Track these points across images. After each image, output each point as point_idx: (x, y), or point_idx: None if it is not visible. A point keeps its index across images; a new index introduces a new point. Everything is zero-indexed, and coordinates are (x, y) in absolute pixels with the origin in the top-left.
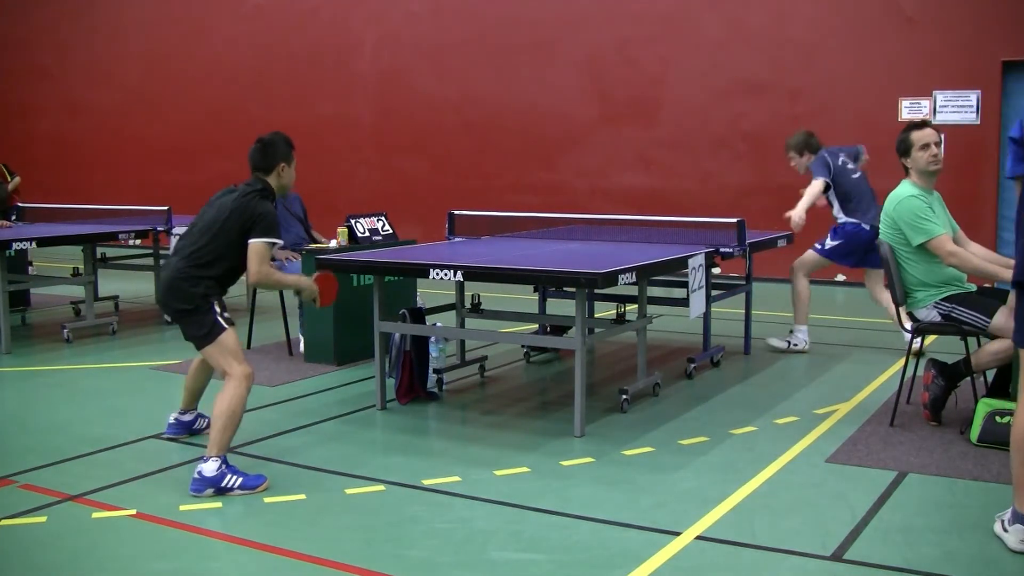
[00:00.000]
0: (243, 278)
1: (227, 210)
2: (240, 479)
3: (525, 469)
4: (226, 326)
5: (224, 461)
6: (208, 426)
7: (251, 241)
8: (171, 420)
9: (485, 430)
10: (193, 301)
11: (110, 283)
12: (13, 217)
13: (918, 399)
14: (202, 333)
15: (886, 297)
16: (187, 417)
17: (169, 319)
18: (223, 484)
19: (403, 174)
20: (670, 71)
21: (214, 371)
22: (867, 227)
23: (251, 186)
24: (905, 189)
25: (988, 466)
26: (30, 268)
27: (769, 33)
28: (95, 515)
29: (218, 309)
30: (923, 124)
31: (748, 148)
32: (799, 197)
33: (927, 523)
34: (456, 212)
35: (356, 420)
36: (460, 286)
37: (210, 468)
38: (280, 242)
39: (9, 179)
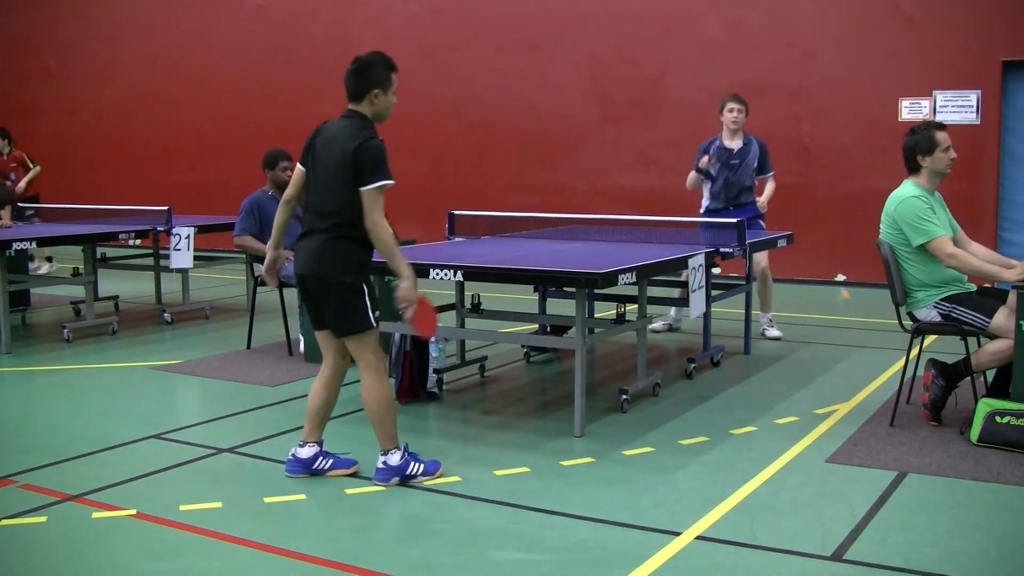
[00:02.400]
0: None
1: (337, 156)
2: (422, 466)
3: (525, 469)
4: (374, 323)
5: (404, 449)
6: (332, 467)
7: (362, 189)
8: (290, 455)
9: (485, 430)
10: (350, 272)
11: (110, 283)
12: (30, 213)
13: (918, 399)
14: (353, 320)
15: None
16: (306, 453)
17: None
18: (408, 472)
19: (403, 174)
20: (670, 71)
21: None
22: None
23: (351, 122)
24: (907, 189)
25: (988, 466)
26: (37, 262)
27: (769, 33)
28: (95, 515)
29: (368, 294)
30: (943, 125)
31: None
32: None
33: (927, 523)
34: (456, 212)
35: (356, 420)
36: (460, 286)
37: (395, 458)
38: (392, 182)
39: (31, 167)
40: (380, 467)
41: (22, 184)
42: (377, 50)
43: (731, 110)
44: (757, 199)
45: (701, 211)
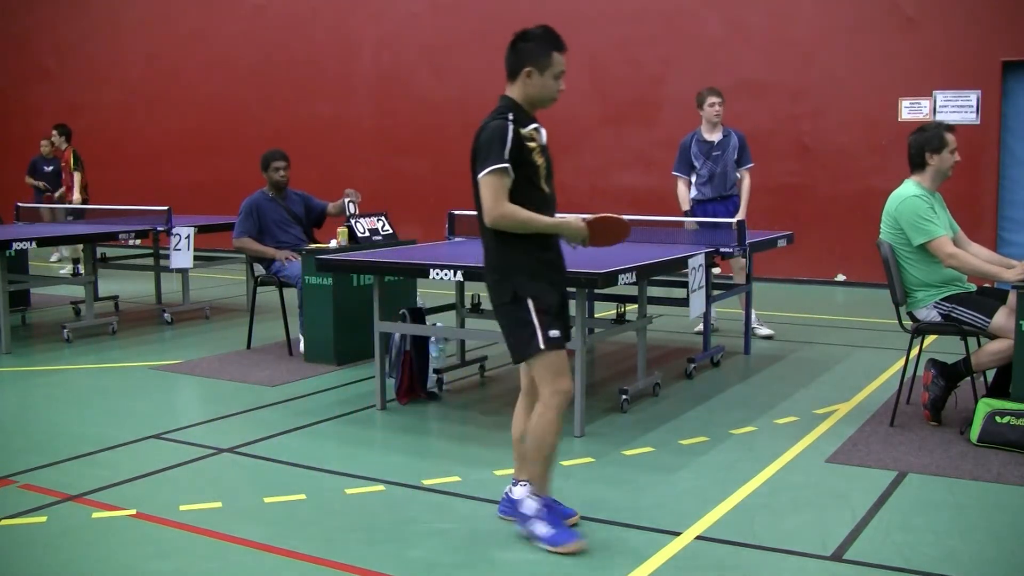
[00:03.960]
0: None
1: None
2: (553, 532)
3: None
4: (543, 345)
5: (543, 502)
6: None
7: (477, 178)
8: (504, 494)
9: (485, 430)
10: (507, 291)
11: (110, 283)
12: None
13: (918, 399)
14: (519, 342)
15: None
16: (518, 492)
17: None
18: (527, 527)
19: (403, 174)
20: (670, 71)
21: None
22: None
23: (494, 109)
24: (909, 189)
25: (988, 466)
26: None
27: (769, 33)
28: (95, 515)
29: (532, 307)
30: (952, 127)
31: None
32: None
33: (927, 523)
34: (456, 212)
35: (356, 420)
36: (460, 286)
37: (520, 491)
38: (504, 165)
39: (73, 169)
40: (504, 496)
41: (76, 195)
42: (544, 24)
43: (712, 104)
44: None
45: (690, 204)
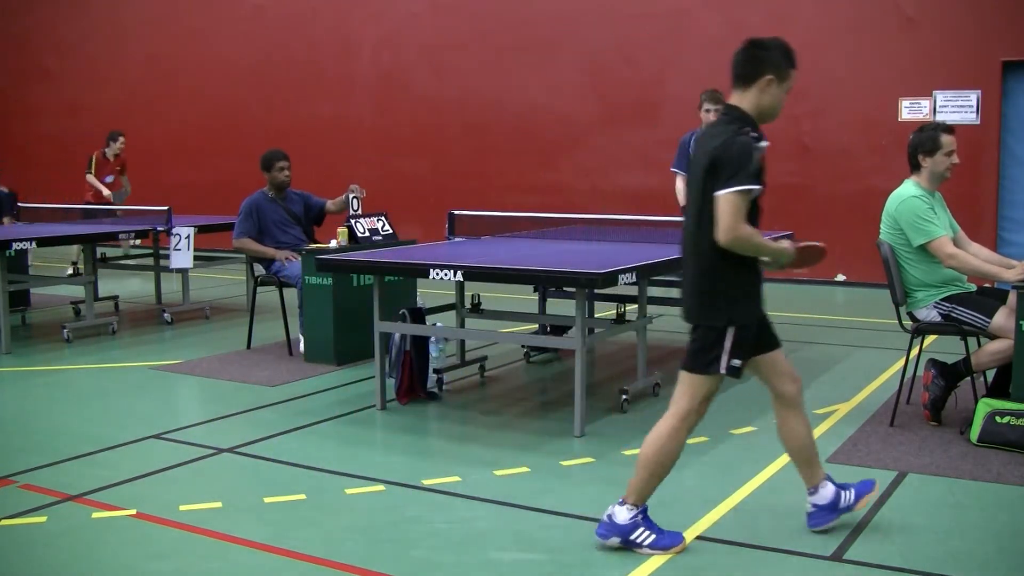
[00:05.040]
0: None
1: (701, 164)
2: (653, 536)
3: (525, 469)
4: (723, 369)
5: (642, 512)
6: (855, 499)
7: (717, 194)
8: (809, 508)
9: (485, 430)
10: (719, 316)
11: (110, 283)
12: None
13: (918, 399)
14: (700, 360)
15: None
16: (821, 496)
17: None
18: (632, 537)
19: (403, 174)
20: (670, 71)
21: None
22: None
23: (723, 119)
24: (908, 189)
25: (988, 466)
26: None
27: (769, 33)
28: (95, 515)
29: (730, 341)
30: (951, 129)
31: None
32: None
33: (927, 523)
34: (456, 212)
35: (356, 420)
36: (460, 286)
37: (624, 515)
38: (759, 187)
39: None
40: (604, 520)
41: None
42: (778, 37)
43: (708, 111)
44: None
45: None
